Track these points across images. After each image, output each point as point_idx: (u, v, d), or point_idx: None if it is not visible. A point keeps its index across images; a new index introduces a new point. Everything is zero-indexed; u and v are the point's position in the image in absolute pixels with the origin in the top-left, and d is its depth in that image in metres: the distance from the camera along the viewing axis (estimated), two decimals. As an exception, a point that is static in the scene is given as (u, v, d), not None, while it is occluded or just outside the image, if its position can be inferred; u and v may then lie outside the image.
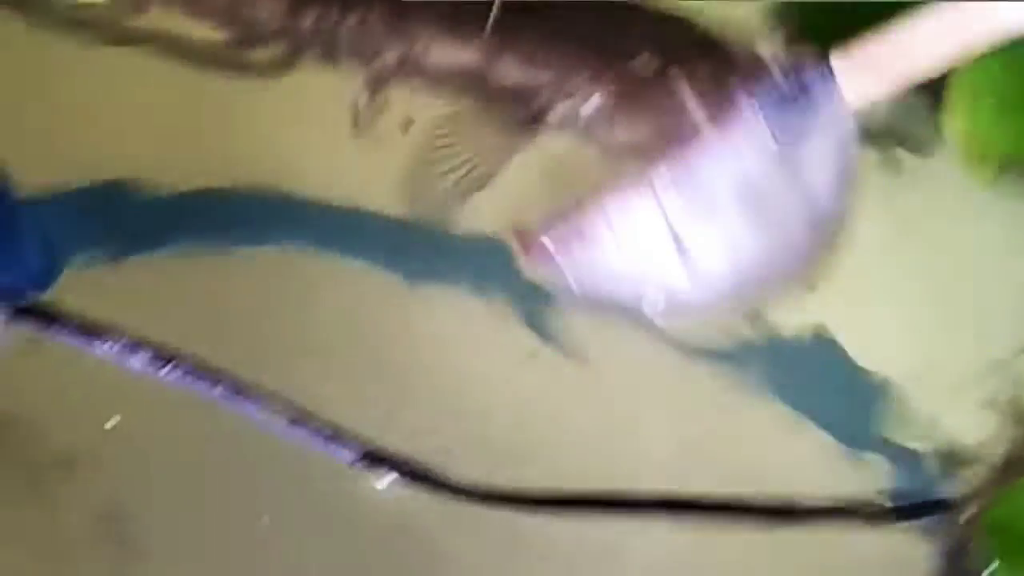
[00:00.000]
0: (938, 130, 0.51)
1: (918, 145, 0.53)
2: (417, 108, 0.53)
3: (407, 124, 0.54)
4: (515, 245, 0.51)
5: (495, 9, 0.51)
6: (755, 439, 0.53)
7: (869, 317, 0.54)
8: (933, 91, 0.49)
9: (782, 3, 0.53)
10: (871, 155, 0.52)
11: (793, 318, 0.53)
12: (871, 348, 0.53)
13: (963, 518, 0.50)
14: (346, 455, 0.52)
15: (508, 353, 0.54)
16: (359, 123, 0.54)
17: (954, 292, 0.54)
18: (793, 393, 0.53)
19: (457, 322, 0.54)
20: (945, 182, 0.53)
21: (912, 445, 0.52)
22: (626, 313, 0.51)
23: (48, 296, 0.51)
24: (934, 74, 0.46)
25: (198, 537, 0.52)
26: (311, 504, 0.52)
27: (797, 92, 0.47)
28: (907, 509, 0.51)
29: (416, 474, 0.52)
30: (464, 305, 0.54)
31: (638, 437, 0.54)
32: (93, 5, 0.54)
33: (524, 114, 0.52)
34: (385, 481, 0.52)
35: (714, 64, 0.50)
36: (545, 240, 0.50)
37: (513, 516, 0.52)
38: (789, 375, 0.53)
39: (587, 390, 0.54)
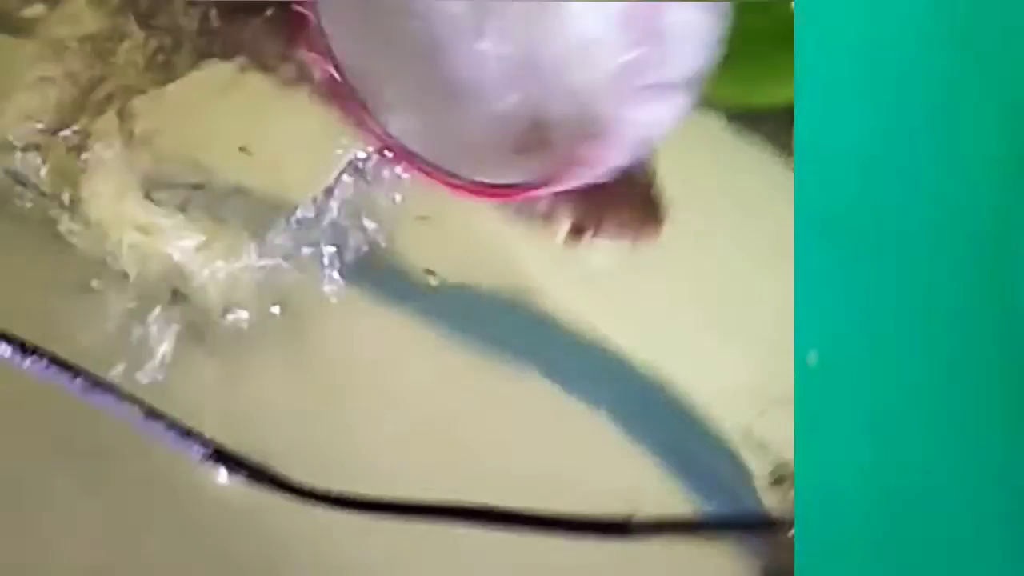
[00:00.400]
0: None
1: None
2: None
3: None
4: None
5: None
6: (585, 456, 0.55)
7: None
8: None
9: None
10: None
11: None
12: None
13: (783, 535, 0.51)
14: (195, 451, 0.53)
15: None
16: None
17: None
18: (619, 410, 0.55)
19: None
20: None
21: (735, 461, 0.54)
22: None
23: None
24: None
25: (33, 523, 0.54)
26: (154, 496, 0.54)
27: None
28: (727, 525, 0.52)
29: (259, 473, 0.53)
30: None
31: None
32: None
33: None
34: (229, 478, 0.53)
35: None
36: None
37: (355, 519, 0.53)
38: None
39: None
